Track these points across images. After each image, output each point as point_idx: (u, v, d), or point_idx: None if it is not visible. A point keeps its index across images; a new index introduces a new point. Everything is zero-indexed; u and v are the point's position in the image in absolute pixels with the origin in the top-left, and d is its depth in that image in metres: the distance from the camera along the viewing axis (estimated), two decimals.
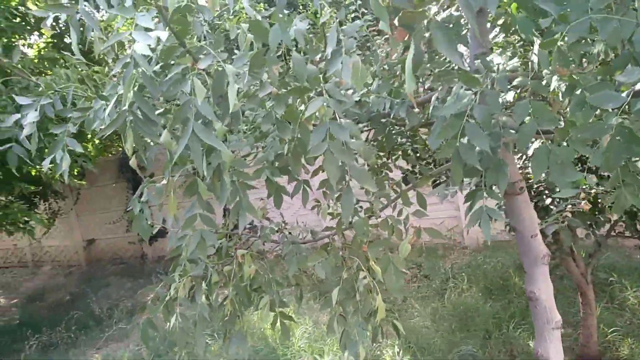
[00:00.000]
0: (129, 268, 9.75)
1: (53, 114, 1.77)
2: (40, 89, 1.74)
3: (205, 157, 1.40)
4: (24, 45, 7.19)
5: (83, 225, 11.14)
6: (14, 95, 1.83)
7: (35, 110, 1.68)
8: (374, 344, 4.38)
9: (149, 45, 1.23)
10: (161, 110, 1.55)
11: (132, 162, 1.69)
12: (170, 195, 1.61)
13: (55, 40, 7.37)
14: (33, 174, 7.01)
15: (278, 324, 2.05)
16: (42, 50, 7.43)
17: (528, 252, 1.88)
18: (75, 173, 7.56)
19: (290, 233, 2.10)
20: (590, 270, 3.75)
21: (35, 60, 6.62)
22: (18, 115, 1.75)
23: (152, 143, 1.80)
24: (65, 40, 7.30)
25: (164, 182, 1.66)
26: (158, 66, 1.40)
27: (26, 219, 7.05)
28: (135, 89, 1.30)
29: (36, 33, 7.02)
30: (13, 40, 6.39)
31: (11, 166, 1.83)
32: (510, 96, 1.45)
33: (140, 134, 1.34)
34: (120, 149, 10.28)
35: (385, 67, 1.88)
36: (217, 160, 1.41)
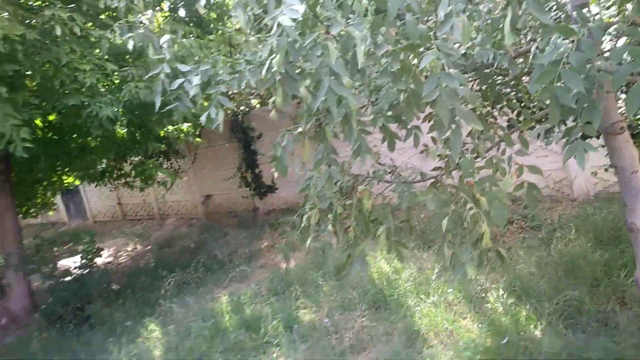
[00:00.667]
0: (243, 221, 10.64)
1: (206, 78, 2.18)
2: (197, 57, 2.15)
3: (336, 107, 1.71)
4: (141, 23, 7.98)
5: (200, 182, 12.24)
6: (177, 64, 2.25)
7: (197, 75, 2.10)
8: (479, 287, 4.62)
9: (293, 18, 1.54)
10: (299, 70, 1.88)
11: (272, 115, 2.05)
12: (305, 141, 1.96)
13: (171, 14, 8.07)
14: (162, 135, 7.88)
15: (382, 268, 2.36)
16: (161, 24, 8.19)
17: (628, 187, 2.00)
18: (197, 133, 8.39)
19: (400, 174, 2.38)
20: None
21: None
22: (181, 80, 2.18)
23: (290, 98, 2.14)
24: (179, 12, 7.95)
25: (299, 130, 2.01)
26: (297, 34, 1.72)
27: (160, 174, 8.01)
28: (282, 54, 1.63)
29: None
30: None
31: (177, 120, 2.30)
32: (606, 44, 1.59)
33: (286, 90, 1.69)
34: (230, 111, 11.08)
35: (489, 21, 2.05)
36: (346, 108, 1.72)
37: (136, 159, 8.86)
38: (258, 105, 11.75)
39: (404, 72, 1.78)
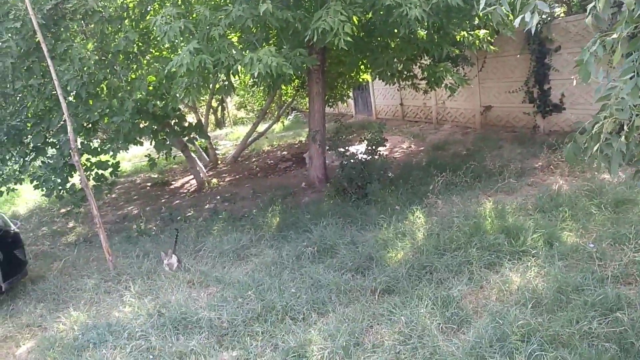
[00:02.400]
0: (520, 137, 10.37)
1: None
2: None
3: None
4: None
5: (484, 91, 12.17)
6: None
7: None
8: None
9: None
10: None
11: (588, 21, 2.09)
12: (618, 47, 1.98)
13: None
14: (458, 39, 8.07)
15: None
16: None
17: None
18: (490, 39, 8.30)
19: None
20: None
21: None
22: None
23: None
24: None
25: (614, 36, 2.02)
26: None
27: (447, 77, 8.37)
28: None
29: None
30: None
31: (479, 25, 2.52)
32: None
33: None
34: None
35: None
36: None
37: (426, 62, 9.34)
38: (562, 15, 10.75)
39: None
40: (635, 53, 2.02)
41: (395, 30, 7.46)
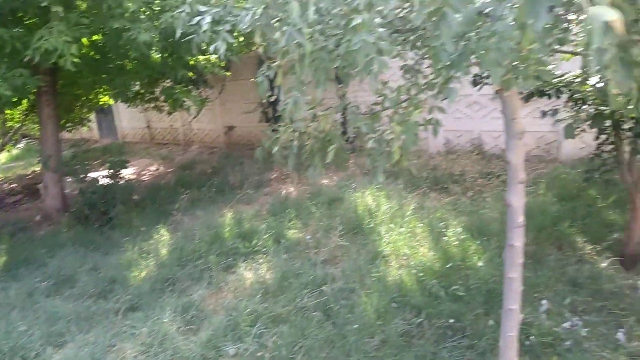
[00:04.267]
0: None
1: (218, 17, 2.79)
2: (213, 1, 2.75)
3: None
4: None
5: (226, 113, 12.98)
6: (198, 6, 2.86)
7: (209, 15, 2.71)
8: (442, 224, 5.25)
9: None
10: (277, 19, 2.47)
11: (261, 51, 2.66)
12: (280, 72, 2.60)
13: None
14: (191, 64, 8.51)
15: None
16: None
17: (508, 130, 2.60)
18: (222, 65, 9.00)
19: (355, 106, 2.99)
20: None
21: None
22: (199, 17, 2.80)
23: None
24: None
25: (276, 63, 2.64)
26: None
27: (185, 99, 8.73)
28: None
29: None
30: None
31: (193, 51, 2.93)
32: None
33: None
34: (255, 48, 11.60)
35: None
36: (302, 51, 2.33)
37: (167, 84, 9.57)
38: None
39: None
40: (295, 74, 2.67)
41: (130, 53, 7.51)
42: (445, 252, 4.78)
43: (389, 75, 3.66)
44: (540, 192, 5.88)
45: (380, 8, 2.33)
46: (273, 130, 3.12)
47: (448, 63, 2.02)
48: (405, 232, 5.33)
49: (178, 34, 2.93)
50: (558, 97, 3.86)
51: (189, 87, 10.09)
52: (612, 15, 0.94)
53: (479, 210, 5.64)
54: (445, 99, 2.29)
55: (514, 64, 2.08)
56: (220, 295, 4.88)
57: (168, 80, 9.52)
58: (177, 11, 2.89)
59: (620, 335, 3.43)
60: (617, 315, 3.65)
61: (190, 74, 8.76)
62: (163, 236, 6.60)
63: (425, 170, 7.41)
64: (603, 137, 4.32)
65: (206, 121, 13.50)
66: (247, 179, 8.89)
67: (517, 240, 2.75)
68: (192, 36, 2.96)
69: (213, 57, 8.90)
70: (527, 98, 4.07)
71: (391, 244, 5.17)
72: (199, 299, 4.75)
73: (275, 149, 3.00)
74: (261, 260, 5.40)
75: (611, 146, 4.29)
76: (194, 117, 12.69)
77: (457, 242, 4.90)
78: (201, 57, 8.58)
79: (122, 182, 8.25)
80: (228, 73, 10.30)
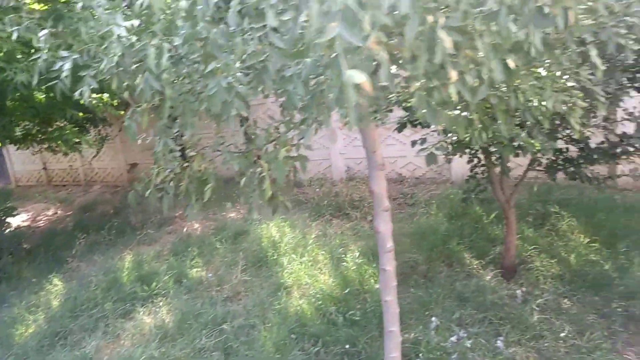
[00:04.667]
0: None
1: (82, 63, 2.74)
2: (74, 47, 2.69)
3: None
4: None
5: (128, 150, 12.52)
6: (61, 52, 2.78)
7: (69, 61, 2.65)
8: (341, 249, 5.39)
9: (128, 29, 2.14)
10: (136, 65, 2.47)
11: (125, 95, 2.63)
12: (144, 117, 2.59)
13: None
14: (82, 103, 8.14)
15: None
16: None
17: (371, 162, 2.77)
18: (115, 104, 8.70)
19: (229, 145, 3.04)
20: (513, 197, 4.55)
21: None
22: (60, 64, 2.72)
23: None
24: None
25: (142, 107, 2.62)
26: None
27: (77, 140, 8.32)
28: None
29: None
30: None
31: (56, 95, 2.83)
32: None
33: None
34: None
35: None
36: (159, 96, 2.35)
37: (62, 124, 9.07)
38: None
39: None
40: (160, 121, 2.66)
41: (11, 93, 7.07)
42: (344, 278, 4.89)
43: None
44: (432, 213, 6.22)
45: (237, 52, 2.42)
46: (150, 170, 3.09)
47: (300, 105, 2.13)
48: (306, 261, 5.40)
49: (35, 80, 2.86)
50: (429, 127, 4.14)
51: (86, 126, 9.66)
52: (362, 78, 1.07)
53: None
54: (302, 139, 2.39)
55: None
56: (116, 345, 4.64)
57: (63, 120, 9.05)
58: (34, 57, 2.81)
59: (499, 343, 3.68)
60: (496, 325, 3.92)
61: (81, 114, 8.40)
62: (56, 286, 6.18)
63: (328, 197, 7.58)
64: (476, 160, 4.67)
65: (108, 159, 12.94)
66: (150, 219, 8.59)
67: (389, 264, 2.90)
68: (55, 82, 2.89)
69: (106, 96, 8.61)
70: (400, 128, 4.34)
71: (293, 274, 5.21)
72: (92, 351, 4.49)
73: (149, 191, 2.96)
74: (161, 303, 5.21)
75: (483, 168, 4.65)
76: (94, 156, 12.10)
77: (354, 267, 5.03)
78: (94, 95, 8.26)
79: (8, 230, 7.65)
80: (122, 112, 9.98)
